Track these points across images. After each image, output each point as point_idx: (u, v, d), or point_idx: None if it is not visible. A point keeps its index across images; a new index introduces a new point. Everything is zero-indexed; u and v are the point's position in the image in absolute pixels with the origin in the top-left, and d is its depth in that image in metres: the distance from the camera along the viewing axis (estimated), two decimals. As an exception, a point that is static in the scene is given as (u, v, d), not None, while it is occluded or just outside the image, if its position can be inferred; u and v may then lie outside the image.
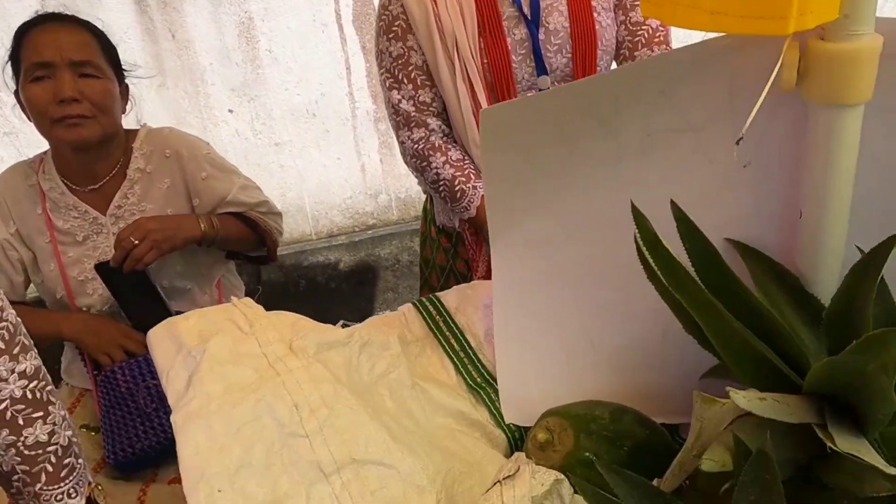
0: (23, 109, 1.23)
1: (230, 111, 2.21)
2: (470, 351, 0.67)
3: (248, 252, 1.37)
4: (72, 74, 1.15)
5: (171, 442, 1.11)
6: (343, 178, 2.36)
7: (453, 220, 1.17)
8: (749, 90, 0.47)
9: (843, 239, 0.51)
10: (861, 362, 0.35)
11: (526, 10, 1.06)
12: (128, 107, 1.30)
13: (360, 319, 0.71)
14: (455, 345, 0.68)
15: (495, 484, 0.44)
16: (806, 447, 0.43)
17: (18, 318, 0.74)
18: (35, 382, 0.73)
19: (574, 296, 0.62)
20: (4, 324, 0.71)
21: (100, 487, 0.81)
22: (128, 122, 1.32)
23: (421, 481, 0.51)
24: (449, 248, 1.22)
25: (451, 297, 0.72)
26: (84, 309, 1.27)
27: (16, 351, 0.72)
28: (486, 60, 1.07)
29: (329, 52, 2.22)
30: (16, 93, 1.23)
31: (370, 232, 2.41)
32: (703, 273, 0.46)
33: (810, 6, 0.41)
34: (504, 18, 1.07)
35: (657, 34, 1.11)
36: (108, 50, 1.24)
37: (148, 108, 1.43)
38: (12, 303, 0.90)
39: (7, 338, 0.71)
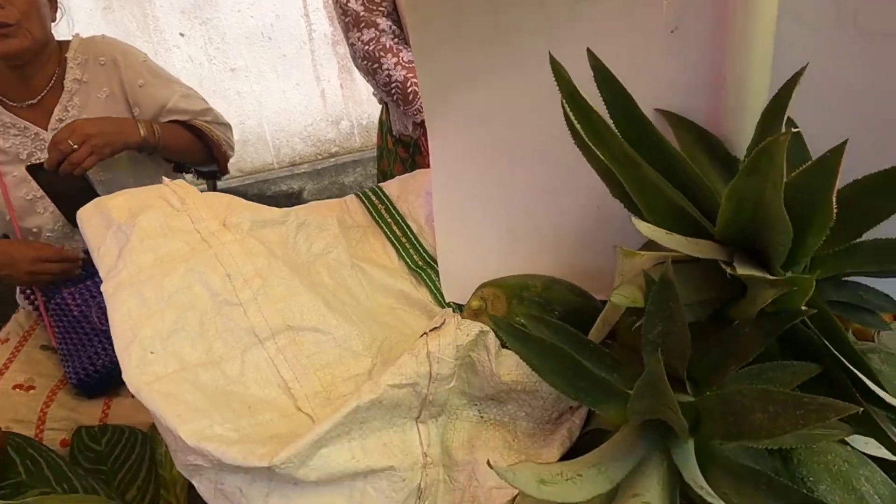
0: None
1: (181, 35, 2.14)
2: (411, 235, 0.68)
3: (198, 165, 1.35)
4: None
5: None
6: (303, 104, 2.32)
7: (408, 125, 1.16)
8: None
9: (764, 99, 0.52)
10: (758, 185, 0.37)
11: None
12: (58, 15, 1.26)
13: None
14: (397, 231, 0.68)
15: (422, 336, 0.45)
16: (717, 288, 0.44)
17: None
18: None
19: (511, 173, 0.62)
20: None
21: None
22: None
23: (356, 347, 0.53)
24: (406, 157, 1.22)
25: (393, 186, 0.72)
26: (35, 230, 1.25)
27: None
28: None
29: (282, -30, 2.15)
30: None
31: (333, 160, 2.39)
32: (622, 125, 0.47)
33: None
34: None
35: None
36: None
37: (94, 32, 1.37)
38: None
39: None
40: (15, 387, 1.14)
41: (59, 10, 1.25)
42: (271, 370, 0.49)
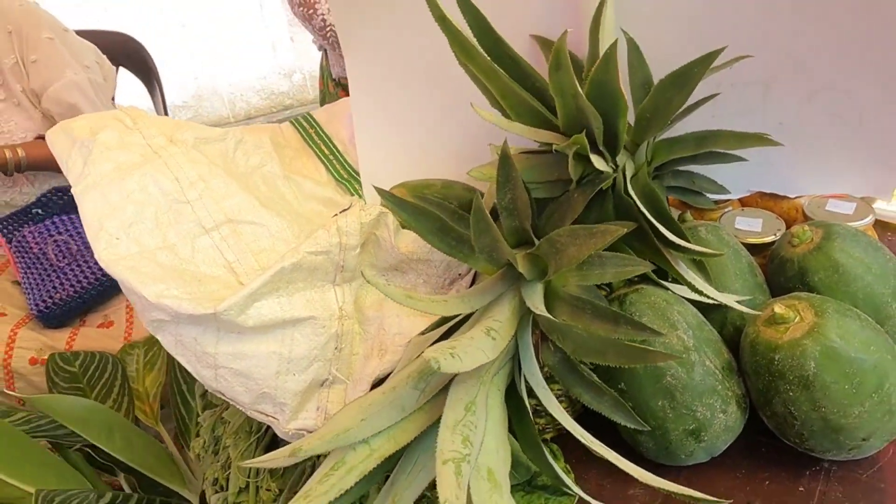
0: None
1: (131, -8, 2.17)
2: (338, 153, 0.79)
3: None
4: None
5: (88, 292, 1.21)
6: (255, 58, 2.38)
7: (343, 66, 1.26)
8: None
9: (613, 22, 0.64)
10: (568, 80, 0.49)
11: None
12: None
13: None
14: (325, 150, 0.80)
15: (333, 216, 0.57)
16: (561, 170, 0.57)
17: None
18: None
19: (418, 94, 0.74)
20: None
21: None
22: None
23: (287, 236, 0.65)
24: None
25: (321, 113, 0.83)
26: None
27: None
28: None
29: (226, -76, 2.18)
30: None
31: (287, 112, 2.47)
32: (486, 46, 0.58)
33: None
34: None
35: None
36: None
37: None
38: None
39: None
40: None
41: None
42: (216, 254, 0.61)
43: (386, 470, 0.48)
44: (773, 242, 0.69)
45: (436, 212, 0.52)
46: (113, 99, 1.46)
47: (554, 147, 0.52)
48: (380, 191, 0.54)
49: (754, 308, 0.59)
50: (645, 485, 0.50)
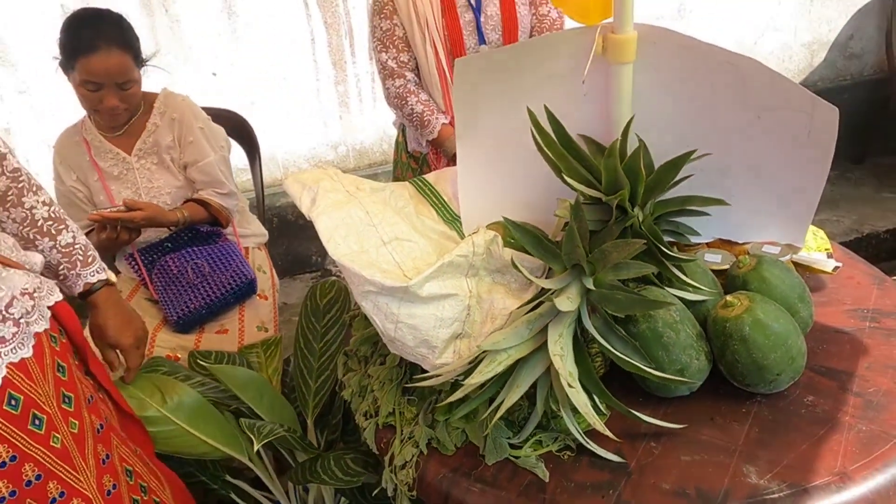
0: (64, 73, 1.60)
1: (213, 74, 2.62)
2: (444, 203, 1.20)
3: (207, 224, 1.79)
4: (116, 90, 1.57)
5: (214, 304, 1.59)
6: (308, 132, 2.82)
7: (422, 143, 1.69)
8: (587, 56, 1.01)
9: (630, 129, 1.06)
10: (612, 162, 0.90)
11: (472, 2, 1.59)
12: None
13: (323, 249, 0.98)
14: (436, 200, 1.20)
15: (468, 236, 0.96)
16: (604, 214, 0.97)
17: (28, 172, 1.07)
18: (54, 206, 1.10)
19: (504, 168, 1.15)
20: (20, 170, 1.05)
21: (113, 273, 1.19)
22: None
23: (427, 251, 1.04)
24: (416, 168, 1.75)
25: (431, 177, 1.24)
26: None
27: (32, 190, 1.07)
28: (446, 34, 1.59)
29: (297, 26, 2.67)
30: (61, 63, 1.59)
31: (332, 177, 2.89)
32: (561, 141, 1.00)
33: (595, 13, 0.94)
34: (458, 6, 1.59)
35: (555, 23, 1.66)
36: (138, 59, 1.63)
37: (146, 70, 1.83)
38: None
39: (26, 183, 1.06)
40: None
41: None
42: (390, 257, 0.99)
43: (511, 370, 0.85)
44: (727, 268, 1.10)
45: (535, 232, 0.92)
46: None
47: (604, 199, 0.93)
48: (509, 223, 0.93)
49: (714, 303, 0.98)
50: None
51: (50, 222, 1.10)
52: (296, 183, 1.03)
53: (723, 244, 1.20)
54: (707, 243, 1.21)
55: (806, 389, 0.98)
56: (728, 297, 0.95)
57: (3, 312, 0.92)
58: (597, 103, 1.09)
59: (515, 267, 0.90)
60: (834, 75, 3.48)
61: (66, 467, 0.96)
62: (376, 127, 2.84)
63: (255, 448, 1.03)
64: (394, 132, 1.82)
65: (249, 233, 1.90)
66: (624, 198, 0.94)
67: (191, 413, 1.20)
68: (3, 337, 0.91)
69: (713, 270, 1.09)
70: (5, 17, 2.30)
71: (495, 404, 0.88)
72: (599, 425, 0.85)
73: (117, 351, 1.20)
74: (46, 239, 1.09)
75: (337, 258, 0.94)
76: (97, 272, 1.16)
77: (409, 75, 1.63)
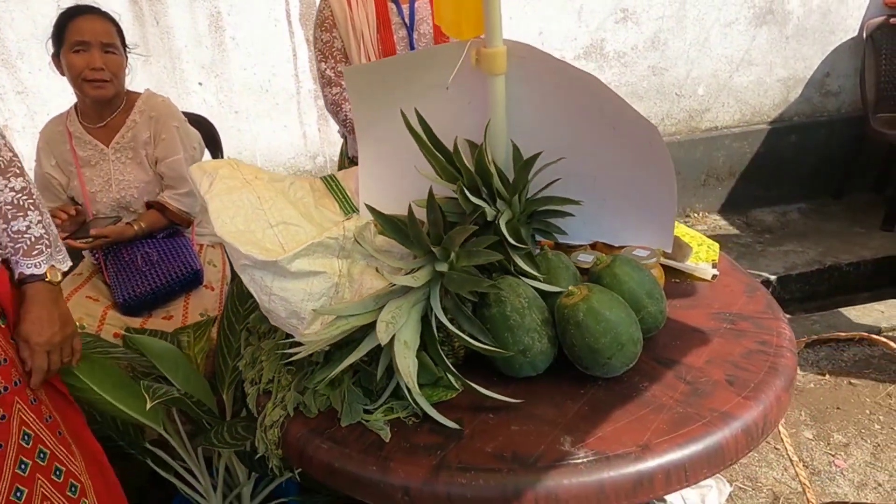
0: (57, 68, 1.80)
1: (199, 84, 2.79)
2: (347, 197, 1.31)
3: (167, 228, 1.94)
4: (100, 51, 1.74)
5: (159, 291, 1.73)
6: (288, 142, 2.97)
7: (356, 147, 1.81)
8: (464, 67, 1.12)
9: (504, 135, 1.16)
10: (482, 162, 1.01)
11: (406, 19, 1.72)
12: (127, 72, 1.88)
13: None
14: (340, 195, 1.32)
15: (341, 222, 1.07)
16: (468, 208, 1.08)
17: (15, 154, 1.17)
18: (22, 195, 1.17)
19: (398, 161, 1.26)
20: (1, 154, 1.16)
21: (56, 270, 1.22)
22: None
23: (313, 235, 1.15)
24: (355, 172, 1.86)
25: (340, 174, 1.36)
26: (94, 213, 1.85)
27: (9, 174, 1.17)
28: (380, 48, 1.72)
29: (280, 41, 2.82)
30: (54, 56, 1.79)
31: (309, 186, 3.03)
32: (432, 142, 1.11)
33: (469, 28, 1.06)
34: (393, 24, 1.72)
35: None
36: (121, 35, 1.83)
37: (136, 78, 1.99)
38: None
39: (2, 165, 1.15)
40: (87, 297, 1.73)
41: (128, 69, 1.87)
42: (275, 238, 1.10)
43: (356, 335, 0.96)
44: (592, 266, 1.19)
45: (401, 224, 1.02)
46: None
47: (455, 192, 1.04)
48: (371, 210, 1.04)
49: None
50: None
51: (9, 207, 1.18)
52: (198, 170, 1.15)
53: (604, 248, 1.30)
54: (591, 245, 1.30)
55: (643, 377, 1.06)
56: (571, 288, 1.04)
57: None
58: (479, 110, 1.20)
59: (360, 244, 1.01)
60: (811, 111, 3.56)
61: None
62: (354, 140, 2.99)
63: (148, 406, 1.13)
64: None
65: (207, 232, 2.02)
66: (468, 192, 1.05)
67: (103, 378, 1.31)
68: None
69: (583, 269, 1.19)
70: (5, 20, 2.50)
71: (344, 364, 0.98)
72: (412, 382, 0.95)
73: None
74: (1, 221, 1.18)
75: (221, 235, 1.06)
76: (35, 266, 1.20)
77: (346, 84, 1.76)
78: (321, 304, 1.06)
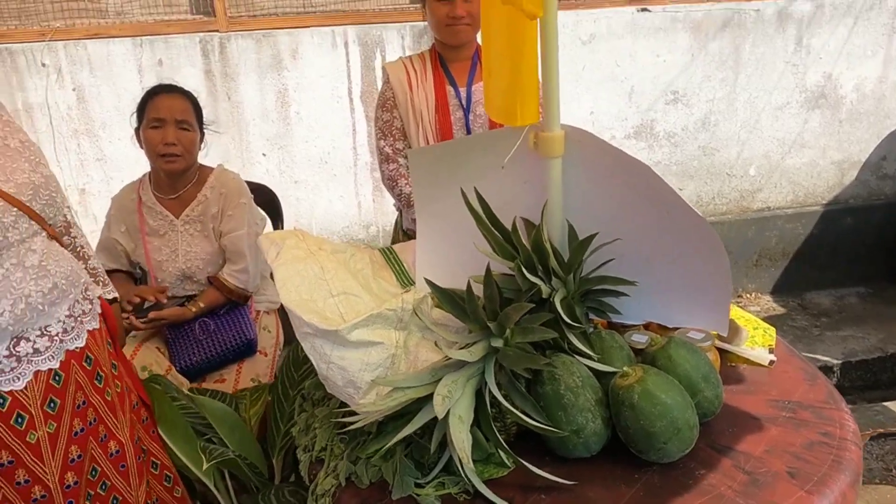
0: (138, 141, 1.92)
1: (263, 155, 2.94)
2: (404, 270, 1.35)
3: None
4: (175, 128, 1.85)
5: (214, 360, 1.78)
6: (343, 212, 3.07)
7: (411, 221, 1.87)
8: (521, 149, 1.17)
9: (560, 215, 1.20)
10: (539, 239, 1.04)
11: (463, 101, 1.80)
12: (202, 146, 1.99)
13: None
14: (397, 268, 1.36)
15: (399, 295, 1.11)
16: (525, 285, 1.10)
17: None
18: (85, 239, 1.44)
19: (455, 237, 1.30)
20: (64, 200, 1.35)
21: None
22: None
23: (371, 306, 1.18)
24: (410, 244, 1.92)
25: (398, 247, 1.41)
26: (159, 281, 1.94)
27: (75, 225, 1.42)
28: (438, 127, 1.80)
29: (341, 116, 2.97)
30: (136, 130, 1.92)
31: (361, 255, 3.11)
32: (491, 219, 1.14)
33: (526, 116, 1.11)
34: (450, 105, 1.81)
35: None
36: (198, 111, 1.94)
37: (207, 149, 2.11)
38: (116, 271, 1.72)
39: (70, 220, 1.39)
40: (156, 348, 1.81)
41: (204, 143, 1.99)
42: (336, 308, 1.15)
43: (411, 408, 0.97)
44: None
45: (456, 298, 1.05)
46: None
47: (513, 270, 1.06)
48: (430, 284, 1.08)
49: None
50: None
51: (84, 249, 1.45)
52: (266, 239, 1.21)
53: (658, 328, 1.29)
54: (644, 325, 1.30)
55: (700, 463, 1.04)
56: (625, 369, 1.04)
57: (84, 293, 1.27)
58: (535, 190, 1.24)
59: (418, 316, 1.03)
60: (867, 194, 3.51)
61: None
62: (406, 211, 3.08)
63: (204, 467, 1.16)
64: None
65: (265, 298, 2.09)
66: (524, 269, 1.07)
67: (170, 425, 1.35)
68: (84, 311, 1.26)
69: (638, 349, 1.19)
70: (93, 93, 2.70)
71: (399, 437, 0.99)
72: (466, 457, 0.95)
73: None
74: (81, 262, 1.40)
75: (285, 303, 1.10)
76: (111, 292, 1.48)
77: (402, 161, 1.84)
78: (378, 374, 1.08)
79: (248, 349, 1.85)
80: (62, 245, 1.29)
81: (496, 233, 1.14)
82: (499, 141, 1.20)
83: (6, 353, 1.16)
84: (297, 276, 1.15)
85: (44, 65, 2.66)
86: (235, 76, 2.81)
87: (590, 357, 1.08)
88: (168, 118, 1.83)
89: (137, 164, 2.73)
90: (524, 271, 1.06)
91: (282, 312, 2.20)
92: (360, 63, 2.88)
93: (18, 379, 1.16)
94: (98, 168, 2.79)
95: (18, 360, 1.17)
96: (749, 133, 3.31)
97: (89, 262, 1.43)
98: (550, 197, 1.19)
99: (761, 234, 3.38)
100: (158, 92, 1.88)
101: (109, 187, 2.76)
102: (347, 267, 1.25)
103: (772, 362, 1.31)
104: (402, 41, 2.82)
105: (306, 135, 2.94)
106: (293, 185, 2.97)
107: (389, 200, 3.06)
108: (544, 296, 1.10)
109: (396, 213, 1.99)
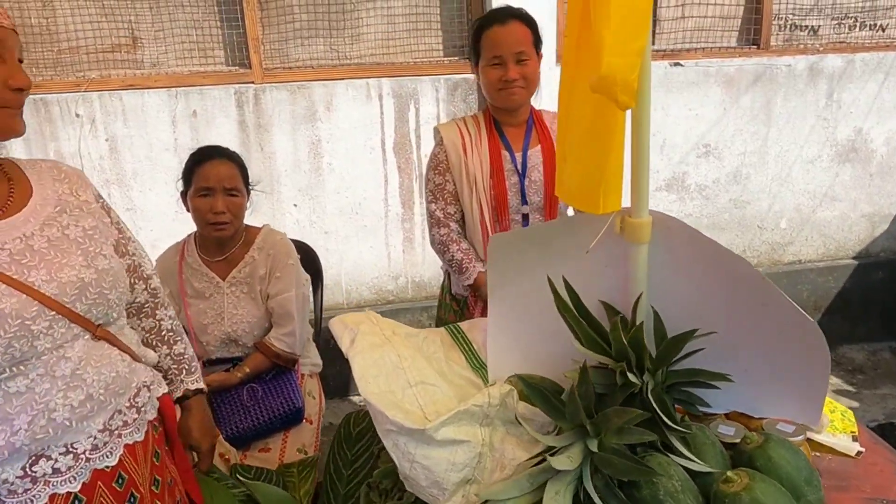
0: (185, 205, 1.87)
1: (294, 205, 2.90)
2: (474, 351, 1.30)
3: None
4: (223, 195, 1.80)
5: (261, 428, 1.71)
6: (373, 263, 3.03)
7: (461, 287, 1.82)
8: (606, 234, 1.13)
9: (646, 303, 1.15)
10: (634, 334, 0.99)
11: (518, 167, 1.77)
12: (248, 206, 1.94)
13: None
14: (466, 347, 1.31)
15: (486, 388, 1.06)
16: (614, 378, 1.05)
17: (161, 283, 1.31)
18: (175, 320, 1.31)
19: (532, 322, 1.25)
20: (158, 289, 1.28)
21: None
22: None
23: (449, 395, 1.13)
24: (458, 309, 1.87)
25: (465, 325, 1.36)
26: (203, 344, 1.87)
27: (166, 304, 1.31)
28: (493, 193, 1.76)
29: (373, 168, 2.94)
30: (182, 194, 1.87)
31: (389, 306, 3.06)
32: (577, 308, 1.10)
33: (608, 204, 1.07)
34: (505, 170, 1.77)
35: None
36: (244, 174, 1.89)
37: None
38: None
39: (160, 298, 1.29)
40: None
41: (250, 202, 1.94)
42: (414, 399, 1.09)
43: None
44: (738, 442, 1.13)
45: (544, 390, 1.00)
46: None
47: (609, 365, 1.01)
48: (521, 380, 1.03)
49: (720, 476, 1.02)
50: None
51: (171, 333, 1.32)
52: (339, 323, 1.16)
53: (740, 417, 1.24)
54: (726, 414, 1.24)
55: (810, 576, 0.98)
56: (729, 473, 0.99)
57: (132, 400, 1.12)
58: (617, 274, 1.20)
59: (519, 422, 0.98)
60: (897, 247, 3.48)
61: None
62: (435, 264, 3.03)
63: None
64: (447, 271, 1.98)
65: (308, 361, 2.02)
66: (625, 367, 1.02)
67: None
68: (126, 421, 1.10)
69: (726, 443, 1.13)
70: (126, 143, 2.68)
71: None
72: None
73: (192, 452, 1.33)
74: (165, 347, 1.30)
75: (366, 396, 1.05)
76: (197, 381, 1.33)
77: (453, 225, 1.79)
78: (464, 474, 1.02)
79: (295, 417, 1.79)
80: (116, 345, 1.13)
81: (582, 322, 1.09)
82: (582, 226, 1.16)
83: (20, 473, 1.00)
84: (374, 366, 1.10)
85: (78, 115, 2.64)
86: (269, 127, 2.79)
87: (690, 459, 1.03)
88: (217, 186, 1.78)
89: (166, 216, 2.71)
90: (626, 371, 1.01)
91: (325, 367, 2.13)
92: (393, 115, 2.87)
93: (30, 503, 1.01)
94: (127, 218, 2.75)
95: (34, 480, 1.01)
96: (780, 186, 3.29)
97: (175, 346, 1.31)
98: (635, 283, 1.15)
99: (793, 287, 3.33)
100: (206, 158, 1.82)
101: (139, 237, 2.71)
102: (422, 352, 1.20)
103: (859, 453, 1.25)
104: (436, 94, 2.81)
105: (338, 185, 2.91)
106: (323, 235, 2.93)
107: (419, 252, 3.03)
108: (636, 390, 1.04)
109: (443, 275, 1.95)
